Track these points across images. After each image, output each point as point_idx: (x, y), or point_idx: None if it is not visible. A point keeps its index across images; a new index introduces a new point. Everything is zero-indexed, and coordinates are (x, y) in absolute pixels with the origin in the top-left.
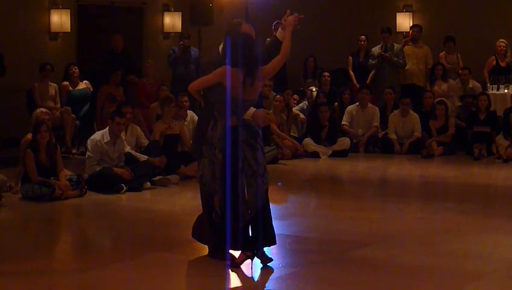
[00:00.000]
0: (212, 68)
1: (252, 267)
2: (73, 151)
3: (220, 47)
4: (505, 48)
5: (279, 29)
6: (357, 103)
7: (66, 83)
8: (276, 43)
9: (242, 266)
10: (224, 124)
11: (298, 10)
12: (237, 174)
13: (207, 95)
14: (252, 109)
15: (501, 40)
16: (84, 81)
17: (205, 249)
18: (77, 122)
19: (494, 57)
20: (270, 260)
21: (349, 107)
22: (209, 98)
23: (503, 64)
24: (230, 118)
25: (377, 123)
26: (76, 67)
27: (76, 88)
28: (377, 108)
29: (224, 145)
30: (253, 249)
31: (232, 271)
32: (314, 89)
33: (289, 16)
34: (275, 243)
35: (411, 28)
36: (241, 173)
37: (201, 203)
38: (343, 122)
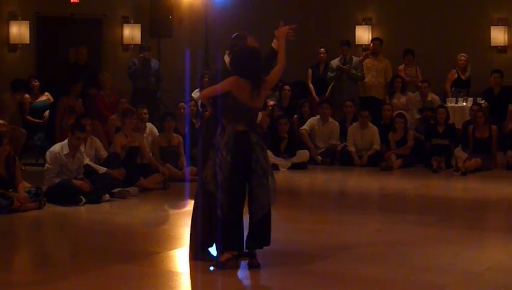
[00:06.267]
0: (220, 78)
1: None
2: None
3: (225, 57)
4: (465, 62)
5: (274, 40)
6: (318, 117)
7: (27, 96)
8: (272, 53)
9: (200, 280)
10: (231, 129)
11: (258, 22)
12: (250, 174)
13: (215, 103)
14: (260, 115)
15: (462, 54)
16: (45, 93)
17: (164, 261)
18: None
19: (455, 70)
20: (258, 265)
21: (311, 119)
22: (218, 105)
23: (464, 77)
24: (238, 124)
25: (334, 141)
26: (37, 80)
27: (38, 100)
28: (337, 123)
29: (233, 148)
30: (247, 248)
31: (194, 279)
32: (271, 103)
33: (282, 27)
34: (269, 244)
35: (372, 41)
36: (253, 173)
37: (195, 202)
38: (302, 128)
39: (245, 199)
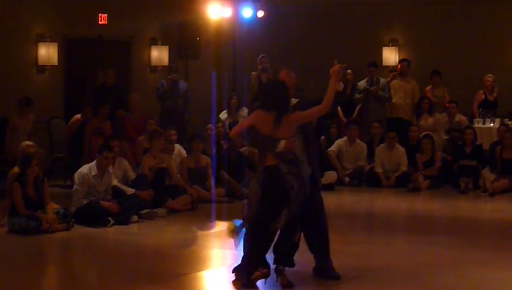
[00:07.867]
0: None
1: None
2: None
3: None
4: (492, 83)
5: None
6: (346, 138)
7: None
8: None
9: None
10: (261, 166)
11: (286, 45)
12: (288, 203)
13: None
14: (283, 141)
15: (489, 75)
16: None
17: (192, 282)
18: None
19: (482, 91)
20: (288, 283)
21: (339, 141)
22: (248, 140)
23: (491, 98)
24: (266, 158)
25: (362, 163)
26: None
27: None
28: (365, 145)
29: (263, 184)
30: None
31: None
32: None
33: (335, 66)
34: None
35: (400, 62)
36: (292, 203)
37: None
38: (330, 149)
39: (274, 236)
